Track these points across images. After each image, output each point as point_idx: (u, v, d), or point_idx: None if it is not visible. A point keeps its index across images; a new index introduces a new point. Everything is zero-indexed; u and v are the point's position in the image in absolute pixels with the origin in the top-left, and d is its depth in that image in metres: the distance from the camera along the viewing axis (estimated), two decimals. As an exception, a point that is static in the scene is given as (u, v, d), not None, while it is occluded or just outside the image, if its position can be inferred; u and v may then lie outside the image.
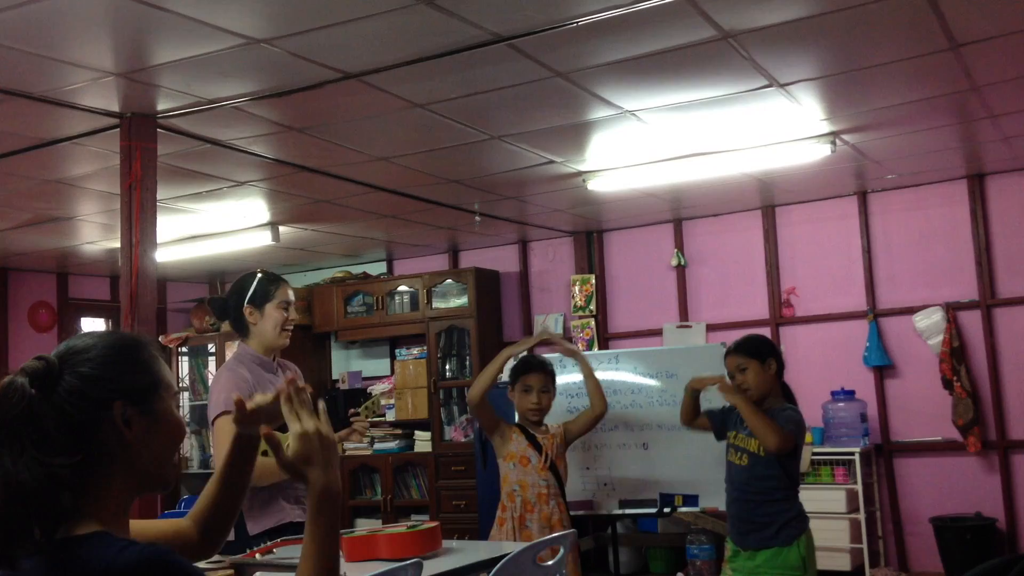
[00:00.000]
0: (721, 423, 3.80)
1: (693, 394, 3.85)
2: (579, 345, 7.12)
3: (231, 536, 3.31)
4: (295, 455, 1.52)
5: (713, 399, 3.90)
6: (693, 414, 3.89)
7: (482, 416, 4.09)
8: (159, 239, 4.30)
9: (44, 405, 1.35)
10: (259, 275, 3.39)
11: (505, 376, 4.24)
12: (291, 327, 3.40)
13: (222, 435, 3.11)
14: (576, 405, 5.04)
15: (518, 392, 4.08)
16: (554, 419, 4.25)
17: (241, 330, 3.39)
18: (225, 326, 7.96)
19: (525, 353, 4.19)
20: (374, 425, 3.47)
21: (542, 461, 3.97)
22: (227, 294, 3.47)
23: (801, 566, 3.47)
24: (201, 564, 2.72)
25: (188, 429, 7.74)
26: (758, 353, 3.58)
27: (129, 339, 1.50)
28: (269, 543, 3.11)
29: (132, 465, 1.43)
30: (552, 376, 4.12)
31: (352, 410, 3.49)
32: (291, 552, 3.14)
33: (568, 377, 4.98)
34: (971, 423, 5.93)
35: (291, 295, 3.42)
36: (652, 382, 5.09)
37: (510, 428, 4.07)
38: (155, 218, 4.09)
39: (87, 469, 1.37)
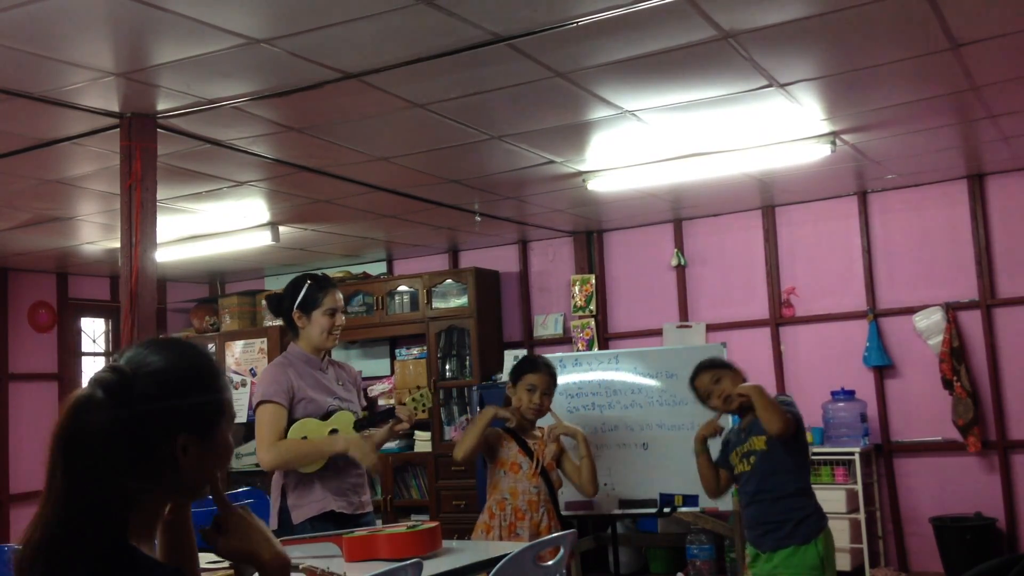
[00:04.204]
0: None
1: (704, 452, 3.70)
2: (579, 345, 7.14)
3: (275, 525, 3.38)
4: (237, 535, 1.49)
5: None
6: (715, 476, 3.69)
7: (475, 460, 4.13)
8: (159, 239, 4.30)
9: (117, 423, 1.34)
10: (309, 281, 3.56)
11: (504, 376, 4.22)
12: (338, 331, 3.58)
13: (263, 419, 3.41)
14: (576, 405, 5.05)
15: (521, 390, 4.00)
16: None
17: (291, 331, 3.62)
18: (229, 323, 7.98)
19: (526, 354, 4.18)
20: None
21: (533, 467, 3.92)
22: (281, 294, 3.66)
23: (820, 566, 3.37)
24: (200, 563, 2.73)
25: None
26: (722, 365, 3.66)
27: (202, 364, 1.48)
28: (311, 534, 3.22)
29: (177, 485, 1.43)
30: (555, 379, 4.09)
31: (401, 402, 3.55)
32: (290, 552, 3.14)
33: (566, 377, 4.98)
34: (971, 423, 5.93)
35: (339, 301, 3.58)
36: (652, 382, 5.08)
37: (498, 436, 4.00)
38: (155, 218, 4.09)
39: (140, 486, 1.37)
